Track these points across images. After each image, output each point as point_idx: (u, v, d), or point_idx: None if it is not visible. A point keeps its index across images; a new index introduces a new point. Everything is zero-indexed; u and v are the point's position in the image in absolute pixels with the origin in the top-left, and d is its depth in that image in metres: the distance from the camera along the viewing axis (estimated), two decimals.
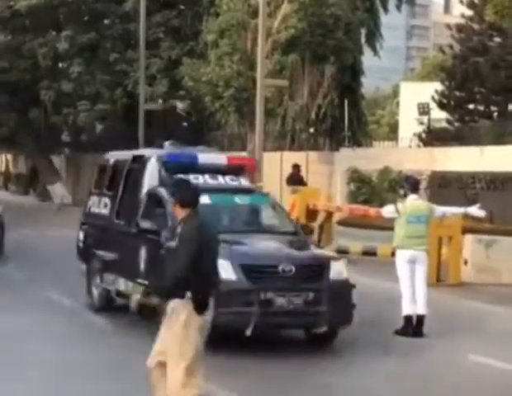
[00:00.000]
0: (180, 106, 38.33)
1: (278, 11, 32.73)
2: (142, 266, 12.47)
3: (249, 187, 13.84)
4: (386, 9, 41.72)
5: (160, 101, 38.84)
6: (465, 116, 38.12)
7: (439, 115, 39.10)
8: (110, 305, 13.98)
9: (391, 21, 59.94)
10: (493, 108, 37.73)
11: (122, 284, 13.25)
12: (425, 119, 37.36)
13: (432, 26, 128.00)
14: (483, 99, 37.46)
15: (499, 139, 30.24)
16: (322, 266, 11.43)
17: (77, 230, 15.65)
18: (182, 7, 40.47)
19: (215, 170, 13.32)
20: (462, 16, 38.67)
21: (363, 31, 39.98)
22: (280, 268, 11.14)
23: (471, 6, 37.68)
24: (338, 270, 11.50)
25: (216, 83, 31.58)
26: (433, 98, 38.29)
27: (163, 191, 12.61)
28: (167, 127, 39.30)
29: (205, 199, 11.43)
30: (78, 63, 39.88)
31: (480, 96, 37.34)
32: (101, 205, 14.86)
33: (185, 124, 40.71)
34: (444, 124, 38.51)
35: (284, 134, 37.31)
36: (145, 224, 12.42)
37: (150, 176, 13.22)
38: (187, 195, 7.90)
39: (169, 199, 11.19)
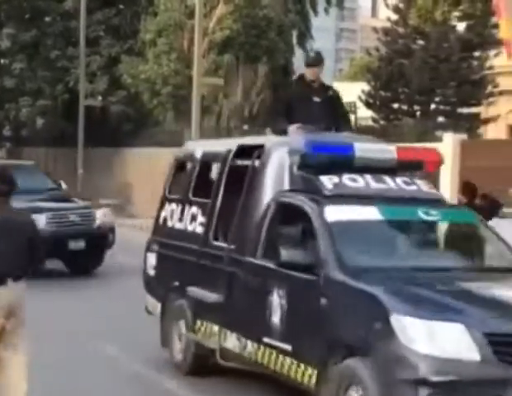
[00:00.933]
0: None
1: (214, 12, 32.85)
2: (278, 319, 8.08)
3: (439, 196, 9.24)
4: (315, 12, 42.03)
5: (100, 97, 38.62)
6: (390, 115, 38.63)
7: (366, 114, 39.48)
8: (204, 368, 9.62)
9: (321, 24, 60.42)
10: (416, 107, 38.27)
11: (234, 341, 8.82)
12: (353, 117, 37.72)
13: (359, 29, 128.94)
14: (407, 99, 37.97)
15: (421, 136, 30.71)
16: None
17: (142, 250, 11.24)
18: (121, 6, 40.27)
19: (379, 168, 8.80)
20: (388, 19, 39.11)
21: (295, 33, 40.22)
22: None
23: (396, 10, 38.12)
24: None
25: (154, 81, 31.58)
26: (359, 98, 38.67)
27: (306, 201, 8.33)
28: (106, 123, 39.08)
29: (371, 212, 8.20)
30: (20, 60, 39.47)
31: (404, 96, 37.85)
32: (185, 218, 10.21)
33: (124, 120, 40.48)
34: (370, 123, 38.95)
35: (219, 130, 37.39)
36: (293, 255, 7.74)
37: (276, 177, 8.86)
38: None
39: (320, 214, 8.05)
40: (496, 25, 17.09)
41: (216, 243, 9.48)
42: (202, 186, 10.13)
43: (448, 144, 24.43)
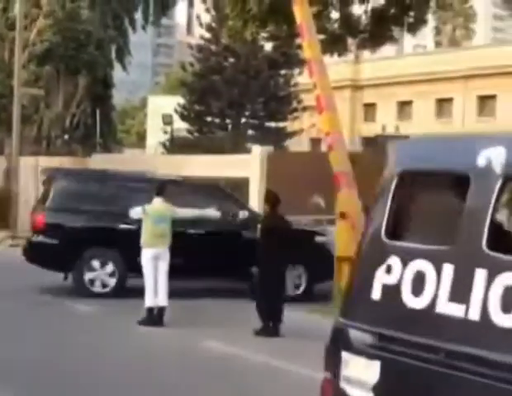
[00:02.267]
0: None
1: (34, 25, 32.02)
2: None
3: None
4: (134, 28, 41.69)
5: None
6: (204, 127, 38.87)
7: (182, 126, 39.56)
8: None
9: (139, 39, 59.95)
10: (228, 121, 38.71)
11: None
12: (169, 129, 37.70)
13: (176, 45, 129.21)
14: (219, 112, 38.34)
15: (232, 148, 31.05)
16: None
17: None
18: None
19: None
20: (202, 37, 39.36)
21: (113, 48, 39.78)
22: None
23: (209, 29, 38.42)
24: None
25: None
26: (175, 110, 38.70)
27: None
28: None
29: None
30: None
31: (216, 109, 38.19)
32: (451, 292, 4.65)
33: None
34: (186, 134, 39.05)
35: (40, 139, 36.43)
36: None
37: None
38: None
39: None
40: (300, 46, 17.38)
41: None
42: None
43: (256, 156, 24.74)
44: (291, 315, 12.14)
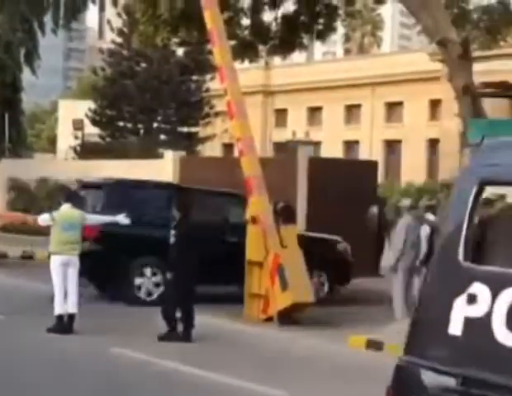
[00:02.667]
0: None
1: None
2: None
3: None
4: (43, 32, 40.94)
5: None
6: (115, 132, 38.50)
7: (93, 131, 39.08)
8: None
9: (50, 43, 58.91)
10: (140, 126, 38.43)
11: None
12: (80, 134, 37.18)
13: (88, 49, 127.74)
14: (131, 117, 38.05)
15: (144, 153, 30.81)
16: None
17: None
18: None
19: None
20: (113, 42, 38.99)
21: (22, 51, 38.98)
22: None
23: (120, 33, 38.08)
24: None
25: None
26: (86, 115, 38.20)
27: None
28: None
29: None
30: None
31: (128, 114, 37.91)
32: None
33: None
34: (97, 139, 38.58)
35: None
36: None
37: None
38: None
39: None
40: (211, 52, 17.36)
41: None
42: None
43: (168, 161, 24.63)
44: (200, 319, 12.09)
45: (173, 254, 11.92)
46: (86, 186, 16.81)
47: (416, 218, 13.79)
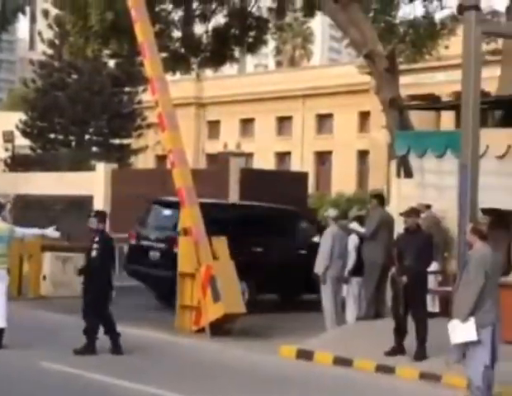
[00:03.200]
0: None
1: None
2: None
3: None
4: None
5: None
6: (47, 144, 37.97)
7: (24, 142, 38.50)
8: None
9: None
10: (71, 137, 38.00)
11: None
12: (10, 145, 36.55)
13: (18, 61, 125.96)
14: (62, 129, 37.60)
15: (76, 165, 30.49)
16: None
17: None
18: None
19: None
20: (44, 53, 38.51)
21: None
22: None
23: (51, 45, 37.62)
24: None
25: None
26: (17, 127, 37.63)
27: None
28: None
29: None
30: None
31: (59, 126, 37.45)
32: None
33: None
34: (28, 151, 38.01)
35: None
36: None
37: None
38: None
39: None
40: (143, 64, 17.28)
41: None
42: None
43: (100, 173, 24.43)
44: (132, 332, 11.97)
45: (91, 267, 11.77)
46: (160, 203, 16.90)
47: (343, 228, 13.90)
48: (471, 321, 8.98)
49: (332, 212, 13.94)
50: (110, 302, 11.86)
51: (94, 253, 11.75)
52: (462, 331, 9.05)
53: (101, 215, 12.30)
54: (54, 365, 10.72)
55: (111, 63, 36.36)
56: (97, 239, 11.78)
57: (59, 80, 37.15)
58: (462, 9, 10.71)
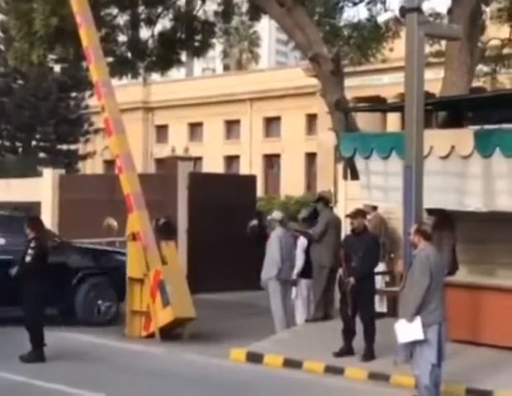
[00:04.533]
0: None
1: None
2: None
3: None
4: None
5: None
6: None
7: None
8: None
9: None
10: (18, 144, 37.54)
11: None
12: None
13: None
14: (9, 135, 37.15)
15: (23, 171, 30.09)
16: None
17: None
18: None
19: None
20: None
21: None
22: None
23: None
24: None
25: None
26: None
27: None
28: None
29: None
30: None
31: (6, 132, 36.97)
32: None
33: None
34: None
35: None
36: None
37: None
38: None
39: None
40: (88, 69, 17.11)
41: None
42: None
43: (47, 179, 24.08)
44: (82, 338, 11.81)
45: (28, 272, 11.62)
46: None
47: (289, 230, 13.89)
48: (418, 320, 9.04)
49: (277, 214, 13.90)
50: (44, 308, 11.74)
51: (28, 258, 11.61)
52: (408, 330, 9.11)
53: (32, 222, 12.14)
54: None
55: (57, 68, 36.02)
56: (32, 245, 11.65)
57: (4, 86, 36.69)
58: (404, 11, 10.76)
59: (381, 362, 10.93)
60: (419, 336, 9.10)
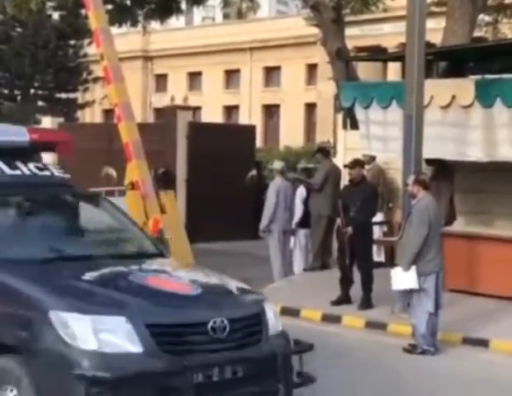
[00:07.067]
0: None
1: None
2: None
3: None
4: None
5: None
6: None
7: None
8: None
9: None
10: (17, 92, 37.32)
11: None
12: None
13: None
14: (7, 83, 36.90)
15: (22, 119, 29.98)
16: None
17: None
18: None
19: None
20: None
21: None
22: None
23: None
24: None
25: None
26: None
27: None
28: None
29: None
30: None
31: (4, 80, 36.74)
32: None
33: None
34: None
35: None
36: None
37: None
38: None
39: None
40: (87, 16, 16.95)
41: None
42: None
43: (46, 127, 24.05)
44: None
45: None
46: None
47: (289, 180, 13.91)
48: (413, 269, 9.09)
49: (277, 164, 13.92)
50: None
51: None
52: (403, 278, 9.16)
53: None
54: None
55: (56, 15, 35.70)
56: None
57: (2, 33, 36.37)
58: None
59: (379, 311, 11.02)
60: (414, 285, 9.16)
